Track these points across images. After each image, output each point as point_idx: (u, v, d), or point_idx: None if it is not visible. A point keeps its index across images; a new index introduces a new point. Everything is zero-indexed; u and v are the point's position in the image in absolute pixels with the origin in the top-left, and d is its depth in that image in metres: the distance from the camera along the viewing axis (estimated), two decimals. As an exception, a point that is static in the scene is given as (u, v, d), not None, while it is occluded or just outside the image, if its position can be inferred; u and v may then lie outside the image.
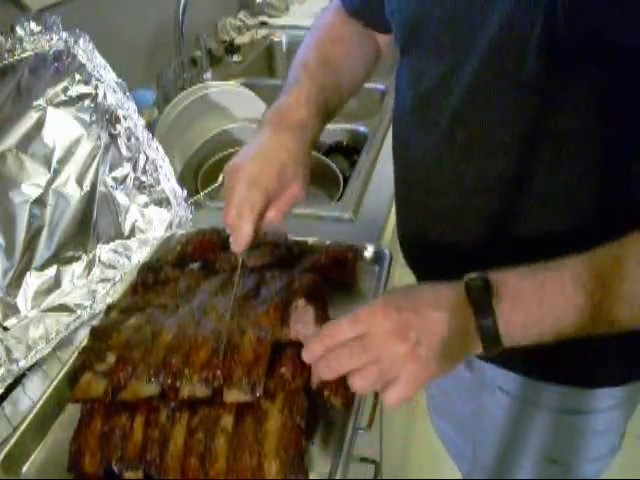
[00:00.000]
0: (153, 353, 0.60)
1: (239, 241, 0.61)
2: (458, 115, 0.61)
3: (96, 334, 0.66)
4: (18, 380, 0.73)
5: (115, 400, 0.59)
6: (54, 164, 0.84)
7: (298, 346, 0.61)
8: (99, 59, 0.90)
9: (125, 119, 0.91)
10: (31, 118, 0.83)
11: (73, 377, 0.65)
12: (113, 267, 0.87)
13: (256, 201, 0.60)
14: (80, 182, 0.86)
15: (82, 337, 0.76)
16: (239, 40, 1.71)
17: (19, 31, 0.83)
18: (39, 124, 0.83)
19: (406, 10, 0.66)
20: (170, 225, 0.93)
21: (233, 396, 0.57)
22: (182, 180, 1.10)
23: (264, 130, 0.67)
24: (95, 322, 0.77)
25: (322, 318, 0.63)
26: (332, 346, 0.52)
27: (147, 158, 0.92)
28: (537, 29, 0.50)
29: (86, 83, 0.89)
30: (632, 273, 0.50)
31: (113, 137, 0.90)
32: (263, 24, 1.86)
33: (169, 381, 0.58)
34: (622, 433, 0.82)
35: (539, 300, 0.51)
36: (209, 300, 0.68)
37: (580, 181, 0.57)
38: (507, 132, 0.58)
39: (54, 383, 0.68)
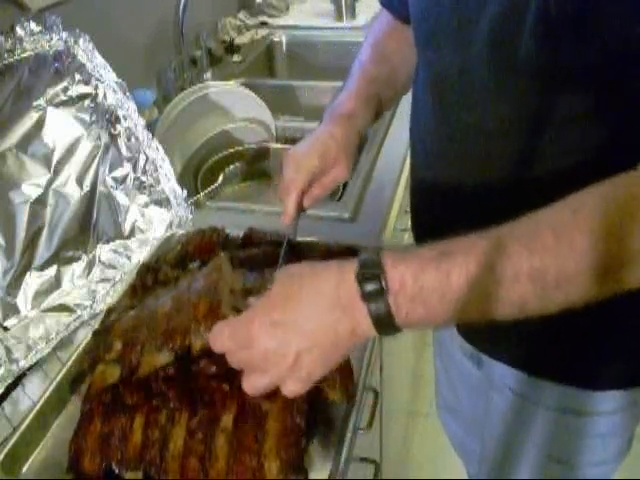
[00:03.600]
0: (156, 326, 0.60)
1: (286, 214, 0.72)
2: (469, 101, 0.63)
3: (98, 334, 0.66)
4: (18, 380, 0.72)
5: (132, 381, 0.59)
6: (54, 164, 0.84)
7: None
8: (99, 59, 0.90)
9: (125, 119, 0.90)
10: (31, 118, 0.82)
11: (77, 378, 0.65)
12: (113, 267, 0.87)
13: (300, 180, 0.71)
14: (80, 182, 0.86)
15: (82, 337, 0.76)
16: (239, 40, 1.72)
17: (19, 31, 0.82)
18: (39, 124, 0.83)
19: (416, 2, 0.68)
20: (170, 225, 0.93)
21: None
22: (182, 180, 1.10)
23: (320, 125, 0.77)
24: (95, 322, 0.77)
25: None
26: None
27: (147, 158, 0.92)
28: (531, 10, 0.51)
29: (86, 83, 0.88)
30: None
31: (113, 137, 0.90)
32: (263, 24, 1.86)
33: (178, 341, 0.58)
34: (630, 437, 0.80)
35: (441, 291, 0.46)
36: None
37: (586, 171, 0.57)
38: (513, 115, 0.59)
39: (54, 383, 0.68)
